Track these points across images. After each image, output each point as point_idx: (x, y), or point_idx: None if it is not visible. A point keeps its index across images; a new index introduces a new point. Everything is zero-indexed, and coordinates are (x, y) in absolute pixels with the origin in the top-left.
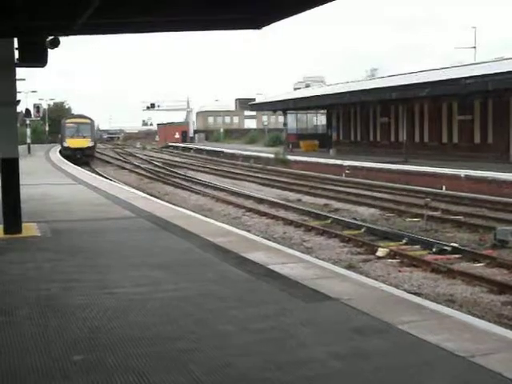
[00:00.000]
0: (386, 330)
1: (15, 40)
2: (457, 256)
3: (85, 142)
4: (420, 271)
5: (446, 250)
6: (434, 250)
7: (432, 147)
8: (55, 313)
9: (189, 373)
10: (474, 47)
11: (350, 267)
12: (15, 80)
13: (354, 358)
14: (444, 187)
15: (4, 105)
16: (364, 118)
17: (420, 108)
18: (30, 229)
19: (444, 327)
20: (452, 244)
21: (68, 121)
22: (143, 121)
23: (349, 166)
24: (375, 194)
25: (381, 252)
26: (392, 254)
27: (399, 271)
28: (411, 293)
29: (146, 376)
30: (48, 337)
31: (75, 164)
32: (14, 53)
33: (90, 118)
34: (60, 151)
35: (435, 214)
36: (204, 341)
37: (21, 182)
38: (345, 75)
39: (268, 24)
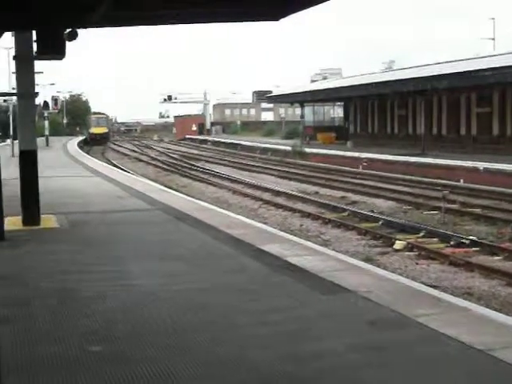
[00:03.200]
0: (404, 323)
1: (34, 33)
2: (475, 249)
3: (103, 129)
4: (438, 264)
5: (464, 242)
6: (451, 242)
7: (450, 140)
8: (73, 304)
9: (206, 364)
10: (493, 39)
11: (367, 260)
12: (34, 72)
13: (372, 350)
14: (462, 180)
15: (23, 97)
16: (381, 110)
17: (438, 100)
18: (48, 221)
19: (462, 320)
20: (470, 237)
21: (92, 116)
22: (160, 113)
23: (366, 158)
24: (392, 186)
25: (398, 245)
26: (410, 247)
27: (417, 264)
28: (429, 286)
29: (163, 367)
30: (66, 328)
31: (97, 145)
32: (32, 45)
33: (106, 114)
34: (86, 137)
35: (453, 206)
36: (220, 332)
37: (39, 174)
38: (362, 67)
39: (286, 16)
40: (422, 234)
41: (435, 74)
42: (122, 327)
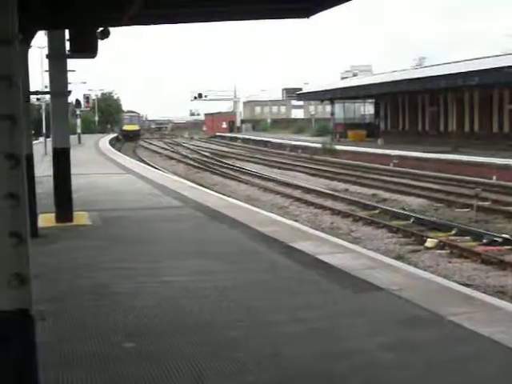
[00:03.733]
0: (436, 322)
1: (66, 31)
2: (508, 247)
3: (134, 127)
4: (470, 262)
5: (496, 241)
6: (484, 240)
7: (482, 137)
8: (106, 300)
9: (239, 361)
10: None
11: (398, 258)
12: (66, 71)
13: (404, 349)
14: (494, 177)
15: (56, 96)
16: (412, 107)
17: (470, 97)
18: (81, 217)
19: (495, 319)
20: (503, 235)
21: (125, 114)
22: (191, 111)
23: (397, 155)
24: (424, 184)
25: (430, 243)
26: (441, 245)
27: (449, 262)
28: (461, 284)
29: (196, 364)
30: (99, 324)
31: (129, 141)
32: (65, 44)
33: (137, 112)
34: (118, 134)
35: (485, 204)
36: (253, 330)
37: (72, 172)
38: (392, 64)
39: (316, 13)
40: (453, 232)
41: (466, 70)
42: (155, 324)
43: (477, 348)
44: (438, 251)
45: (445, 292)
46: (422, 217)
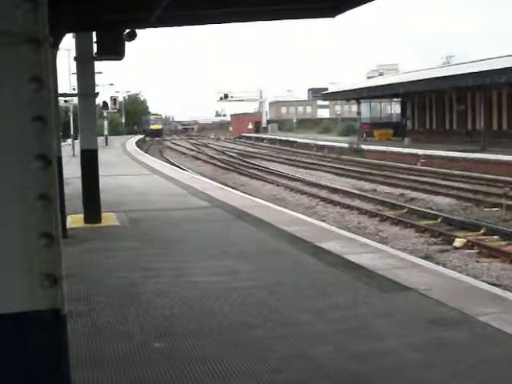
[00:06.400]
0: (465, 322)
1: (93, 34)
2: None
3: (158, 126)
4: (499, 262)
5: None
6: None
7: (510, 135)
8: (135, 300)
9: (266, 361)
10: None
11: (426, 257)
12: (94, 73)
13: (432, 349)
14: None
15: (84, 97)
16: (439, 105)
17: (498, 95)
18: (108, 218)
19: None
20: None
21: (151, 117)
22: (217, 112)
23: (424, 154)
24: (451, 183)
25: (458, 242)
26: (470, 245)
27: (477, 262)
28: (490, 284)
29: (223, 364)
30: (128, 324)
31: (154, 137)
32: (92, 46)
33: (160, 115)
34: (145, 134)
35: None
36: (280, 329)
37: (99, 173)
38: (419, 63)
39: (342, 12)
40: (482, 232)
41: (494, 68)
42: (183, 323)
43: (506, 348)
44: (467, 251)
45: (474, 292)
46: (450, 216)
